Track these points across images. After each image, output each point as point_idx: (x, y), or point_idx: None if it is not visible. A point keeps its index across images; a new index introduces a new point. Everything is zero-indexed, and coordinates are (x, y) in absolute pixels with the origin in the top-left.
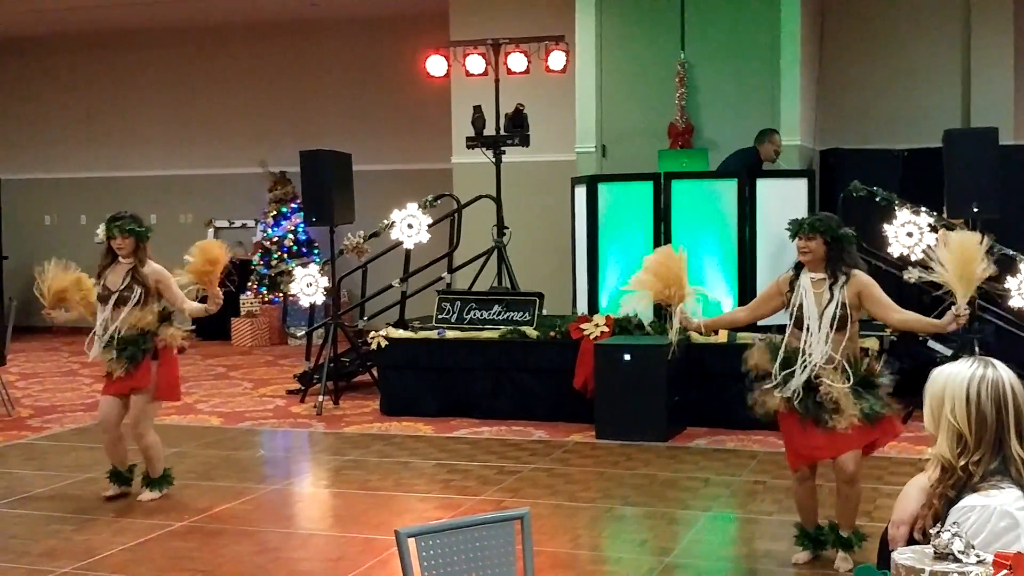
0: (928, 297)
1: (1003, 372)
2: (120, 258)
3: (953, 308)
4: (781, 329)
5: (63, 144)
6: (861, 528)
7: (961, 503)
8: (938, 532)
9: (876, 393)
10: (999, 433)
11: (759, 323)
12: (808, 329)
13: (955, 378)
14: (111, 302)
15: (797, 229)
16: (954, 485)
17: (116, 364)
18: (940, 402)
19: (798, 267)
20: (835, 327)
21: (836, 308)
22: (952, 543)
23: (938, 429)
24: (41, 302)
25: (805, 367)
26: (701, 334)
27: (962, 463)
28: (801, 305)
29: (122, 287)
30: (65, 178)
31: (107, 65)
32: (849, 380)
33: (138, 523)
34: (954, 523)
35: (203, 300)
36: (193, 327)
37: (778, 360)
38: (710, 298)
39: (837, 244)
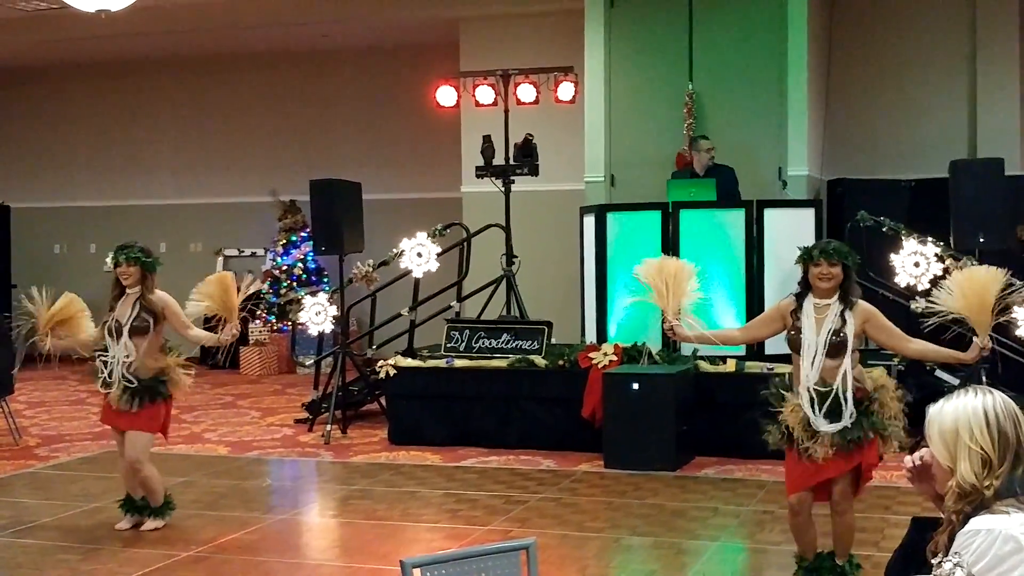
0: (959, 333)
1: (1003, 395)
2: (126, 288)
3: (976, 340)
4: (782, 358)
5: (73, 173)
6: (866, 557)
7: (967, 527)
8: (940, 562)
9: (866, 420)
10: (1017, 448)
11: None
12: (804, 355)
13: (967, 406)
14: (124, 334)
15: (820, 254)
16: (971, 502)
17: (125, 401)
18: (955, 433)
19: (803, 292)
20: (830, 352)
21: (834, 333)
22: (954, 573)
23: (956, 459)
24: (36, 324)
25: (806, 393)
26: (690, 342)
27: (987, 484)
28: (799, 329)
29: (132, 317)
30: (75, 207)
31: (117, 94)
32: (837, 413)
33: (144, 553)
34: (955, 552)
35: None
36: (193, 366)
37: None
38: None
39: (851, 271)
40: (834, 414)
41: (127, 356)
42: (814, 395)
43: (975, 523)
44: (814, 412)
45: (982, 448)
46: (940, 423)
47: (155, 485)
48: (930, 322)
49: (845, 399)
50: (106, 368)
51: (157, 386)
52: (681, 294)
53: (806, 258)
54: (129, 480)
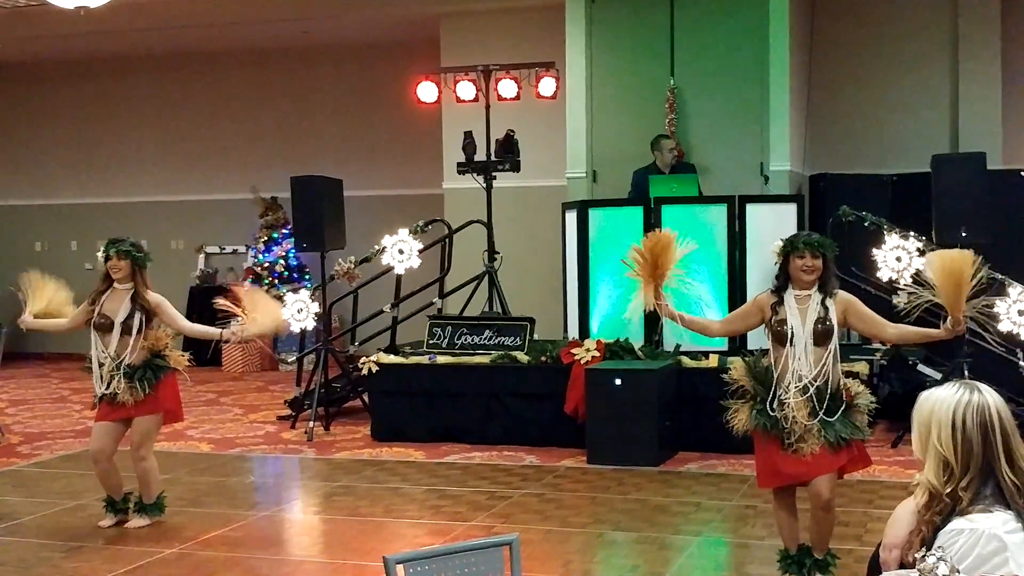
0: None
1: (988, 396)
2: (116, 283)
3: (949, 317)
4: (764, 353)
5: (54, 170)
6: (848, 551)
7: (949, 527)
8: (923, 556)
9: (848, 418)
10: (987, 458)
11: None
12: (795, 346)
13: (941, 404)
14: (116, 331)
15: (804, 246)
16: (940, 511)
17: (130, 391)
18: (927, 428)
19: (782, 285)
20: (817, 341)
21: (819, 321)
22: (937, 567)
23: (926, 455)
24: (24, 307)
25: (792, 385)
26: (671, 319)
27: (948, 490)
28: (784, 320)
29: (125, 316)
30: (56, 204)
31: (99, 91)
32: (819, 408)
33: (128, 550)
34: (939, 547)
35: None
36: (191, 358)
37: (755, 378)
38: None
39: (831, 262)
40: (822, 405)
41: (120, 353)
42: (809, 386)
43: (958, 522)
44: (804, 403)
45: (944, 451)
46: (919, 415)
47: (152, 479)
48: (909, 309)
49: (832, 389)
50: (99, 367)
51: (156, 362)
52: (667, 265)
53: (790, 249)
54: (106, 481)
